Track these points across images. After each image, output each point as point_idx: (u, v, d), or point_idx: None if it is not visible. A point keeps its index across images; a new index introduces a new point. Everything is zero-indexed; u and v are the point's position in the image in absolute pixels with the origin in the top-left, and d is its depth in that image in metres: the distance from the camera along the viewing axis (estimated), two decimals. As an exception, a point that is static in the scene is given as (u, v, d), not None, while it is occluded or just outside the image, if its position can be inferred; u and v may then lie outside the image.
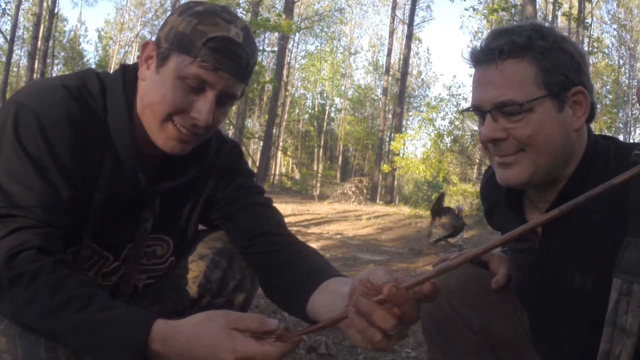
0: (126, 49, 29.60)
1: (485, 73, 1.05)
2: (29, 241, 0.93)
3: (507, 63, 1.03)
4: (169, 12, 1.18)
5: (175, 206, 1.20)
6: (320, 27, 29.95)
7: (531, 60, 1.02)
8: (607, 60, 24.38)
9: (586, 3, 14.83)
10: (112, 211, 1.09)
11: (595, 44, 17.14)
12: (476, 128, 1.13)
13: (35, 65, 13.44)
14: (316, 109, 33.37)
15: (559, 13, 16.60)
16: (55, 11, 15.33)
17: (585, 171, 1.06)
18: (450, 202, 12.46)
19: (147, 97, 1.04)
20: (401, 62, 24.45)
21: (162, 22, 1.08)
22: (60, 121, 0.98)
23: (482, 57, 1.06)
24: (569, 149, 1.05)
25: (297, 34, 26.53)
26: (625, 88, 26.08)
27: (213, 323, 0.86)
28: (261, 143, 22.58)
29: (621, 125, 26.23)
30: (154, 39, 1.06)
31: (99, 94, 1.06)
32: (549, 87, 1.01)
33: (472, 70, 1.15)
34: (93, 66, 33.11)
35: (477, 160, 16.70)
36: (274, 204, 1.27)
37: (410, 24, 22.99)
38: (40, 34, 13.84)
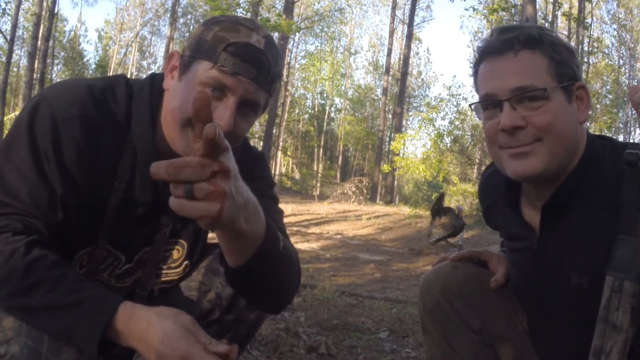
0: (126, 49, 29.62)
1: (500, 62, 1.06)
2: (9, 225, 0.98)
3: (522, 53, 1.05)
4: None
5: None
6: (320, 27, 29.94)
7: (543, 52, 1.05)
8: (607, 60, 24.39)
9: (586, 3, 14.82)
10: (129, 214, 1.10)
11: (595, 44, 17.14)
12: (481, 121, 1.13)
13: (35, 65, 13.44)
14: (316, 109, 33.36)
15: (559, 13, 16.58)
16: (55, 11, 15.32)
17: (582, 170, 1.07)
18: (450, 202, 12.48)
19: (169, 104, 1.05)
20: (401, 62, 24.45)
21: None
22: (74, 119, 1.01)
23: (498, 47, 1.07)
24: (577, 141, 1.07)
25: (297, 34, 26.54)
26: (625, 88, 26.04)
27: (176, 319, 0.92)
28: (261, 143, 22.55)
29: (621, 125, 26.24)
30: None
31: (124, 98, 1.08)
32: (560, 78, 1.04)
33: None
34: (93, 66, 33.17)
35: (477, 160, 16.69)
36: (282, 218, 1.23)
37: (410, 24, 22.98)
38: (40, 34, 13.84)
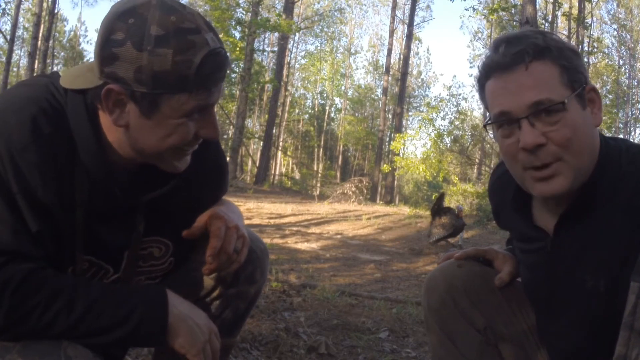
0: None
1: (512, 77, 1.01)
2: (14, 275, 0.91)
3: (534, 65, 1.00)
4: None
5: (169, 208, 1.17)
6: (320, 27, 29.97)
7: (553, 61, 1.00)
8: (607, 60, 24.40)
9: (586, 3, 14.83)
10: (96, 224, 1.06)
11: (595, 44, 17.15)
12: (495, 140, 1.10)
13: (35, 65, 13.45)
14: (316, 109, 33.36)
15: (559, 13, 16.59)
16: (55, 11, 15.33)
17: (599, 173, 1.04)
18: (450, 202, 12.47)
19: (142, 141, 1.00)
20: (401, 62, 24.46)
21: (103, 52, 0.93)
22: (29, 146, 0.93)
23: (507, 62, 1.01)
24: (596, 146, 1.04)
25: (297, 34, 26.54)
26: (625, 88, 26.08)
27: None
28: (261, 143, 22.56)
29: (621, 125, 26.25)
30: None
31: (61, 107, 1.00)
32: (573, 85, 1.01)
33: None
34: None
35: (477, 160, 16.69)
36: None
37: (410, 24, 23.00)
38: (40, 34, 13.84)
